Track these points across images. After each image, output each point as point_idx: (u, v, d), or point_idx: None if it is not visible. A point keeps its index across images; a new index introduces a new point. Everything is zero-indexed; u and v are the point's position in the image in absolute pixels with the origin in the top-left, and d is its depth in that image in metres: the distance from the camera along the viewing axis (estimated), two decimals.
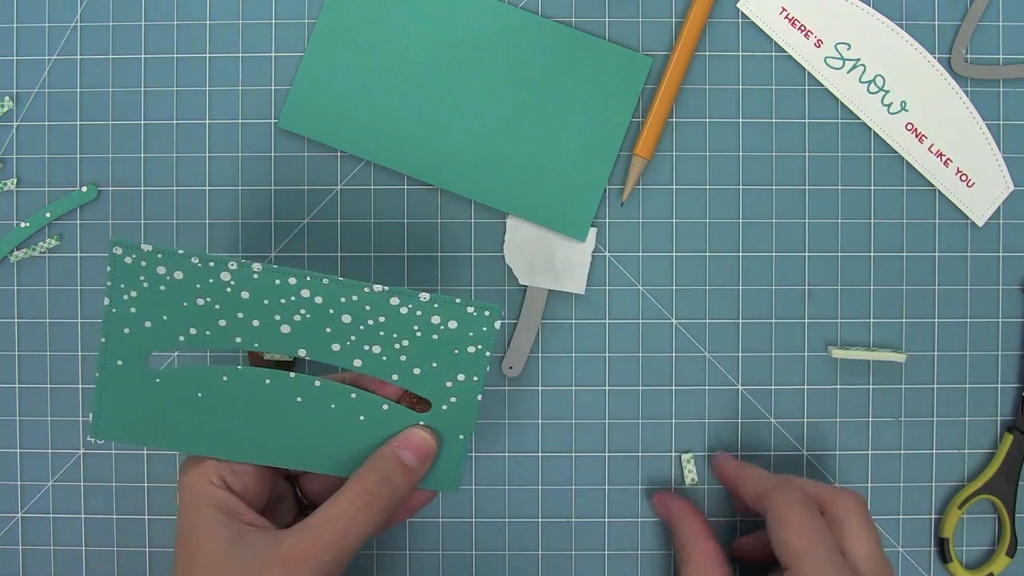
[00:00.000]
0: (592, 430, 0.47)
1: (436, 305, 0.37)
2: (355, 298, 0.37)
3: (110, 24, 0.47)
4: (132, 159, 0.47)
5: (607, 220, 0.47)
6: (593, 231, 0.46)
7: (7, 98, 0.47)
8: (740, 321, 0.47)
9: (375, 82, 0.46)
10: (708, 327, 0.47)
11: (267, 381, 0.38)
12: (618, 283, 0.47)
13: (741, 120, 0.47)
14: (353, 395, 0.38)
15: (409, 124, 0.46)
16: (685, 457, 0.46)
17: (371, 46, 0.46)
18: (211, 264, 0.37)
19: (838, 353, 0.46)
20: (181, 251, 0.37)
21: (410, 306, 0.38)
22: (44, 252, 0.47)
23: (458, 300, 0.38)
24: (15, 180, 0.47)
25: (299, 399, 0.38)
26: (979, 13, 0.46)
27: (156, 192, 0.47)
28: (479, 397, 0.39)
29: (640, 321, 0.47)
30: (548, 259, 0.46)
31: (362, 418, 0.38)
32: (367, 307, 0.38)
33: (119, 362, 0.38)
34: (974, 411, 0.47)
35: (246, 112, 0.47)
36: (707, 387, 0.47)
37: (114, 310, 0.37)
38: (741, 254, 0.47)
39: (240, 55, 0.47)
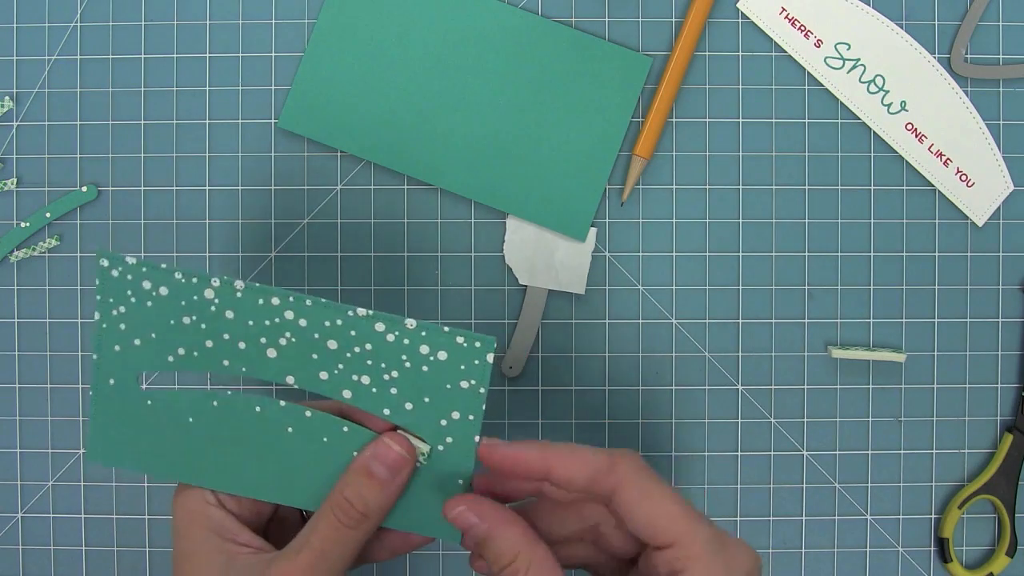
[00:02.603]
0: (592, 430, 0.47)
1: (423, 333, 0.34)
2: (339, 322, 0.35)
3: (110, 24, 0.47)
4: (132, 159, 0.47)
5: (607, 220, 0.47)
6: (593, 231, 0.46)
7: (7, 98, 0.47)
8: (740, 321, 0.47)
9: (375, 82, 0.46)
10: (708, 327, 0.47)
11: (257, 409, 0.36)
12: (618, 283, 0.47)
13: (741, 120, 0.47)
14: (346, 428, 0.36)
15: (409, 124, 0.46)
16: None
17: (371, 46, 0.46)
18: (194, 280, 0.35)
19: (838, 353, 0.46)
20: (164, 265, 0.35)
21: (396, 333, 0.35)
22: (44, 252, 0.47)
23: (447, 328, 0.34)
24: (15, 180, 0.47)
25: (290, 429, 0.36)
26: (979, 13, 0.46)
27: (156, 192, 0.47)
28: (477, 438, 0.35)
29: (640, 321, 0.47)
30: (548, 259, 0.46)
31: (355, 453, 0.36)
32: (352, 332, 0.35)
33: (111, 381, 0.36)
34: (974, 411, 0.47)
35: (246, 112, 0.47)
36: (707, 387, 0.47)
37: (104, 325, 0.36)
38: (741, 254, 0.47)
39: (240, 55, 0.47)
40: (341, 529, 0.34)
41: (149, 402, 0.37)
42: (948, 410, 0.47)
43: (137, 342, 0.36)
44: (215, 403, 0.37)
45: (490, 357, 0.35)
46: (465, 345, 0.35)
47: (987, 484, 0.46)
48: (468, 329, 0.35)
